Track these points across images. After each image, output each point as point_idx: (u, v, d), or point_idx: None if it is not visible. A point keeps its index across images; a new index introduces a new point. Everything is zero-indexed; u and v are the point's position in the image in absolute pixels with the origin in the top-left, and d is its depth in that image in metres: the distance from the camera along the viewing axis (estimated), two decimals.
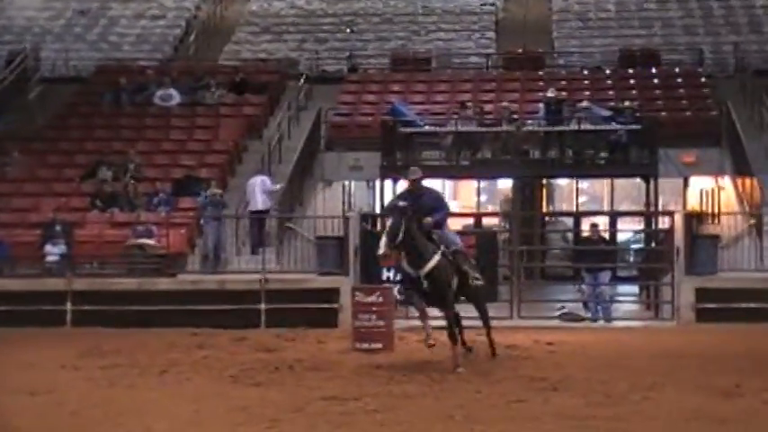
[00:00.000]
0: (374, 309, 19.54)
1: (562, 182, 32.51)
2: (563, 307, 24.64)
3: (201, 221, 26.60)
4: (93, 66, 34.96)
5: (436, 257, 16.20)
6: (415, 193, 17.07)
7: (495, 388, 14.48)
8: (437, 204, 17.29)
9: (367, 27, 37.26)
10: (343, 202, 27.09)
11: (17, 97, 33.75)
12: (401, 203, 16.52)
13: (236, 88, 32.87)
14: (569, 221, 33.12)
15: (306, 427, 11.68)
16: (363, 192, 27.93)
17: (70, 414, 12.72)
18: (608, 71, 34.16)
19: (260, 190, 27.24)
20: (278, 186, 27.67)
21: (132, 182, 27.99)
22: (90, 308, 24.15)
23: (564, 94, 29.98)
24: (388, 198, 28.14)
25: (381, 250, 15.73)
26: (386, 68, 34.84)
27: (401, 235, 15.72)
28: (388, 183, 27.97)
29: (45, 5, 38.86)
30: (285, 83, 33.72)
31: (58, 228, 26.11)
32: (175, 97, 32.30)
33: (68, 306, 24.30)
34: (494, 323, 22.47)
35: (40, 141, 31.12)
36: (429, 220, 16.54)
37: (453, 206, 28.84)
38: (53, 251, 25.77)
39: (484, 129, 28.70)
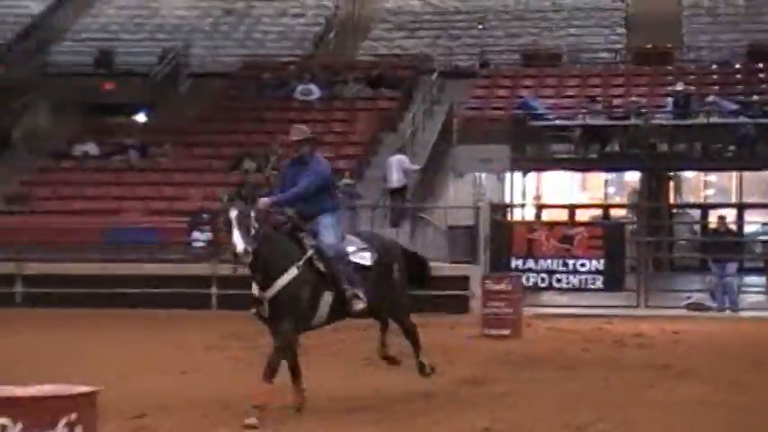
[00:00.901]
0: (503, 296, 19.55)
1: (689, 174, 32.25)
2: (690, 297, 24.35)
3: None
4: (239, 62, 35.43)
5: (291, 273, 10.99)
6: (298, 162, 11.98)
7: (621, 375, 14.35)
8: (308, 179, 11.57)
9: (498, 24, 37.26)
10: (474, 194, 27.09)
11: (169, 91, 34.38)
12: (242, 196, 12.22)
13: (372, 83, 33.12)
14: (696, 213, 32.82)
15: (435, 409, 11.72)
16: (494, 183, 27.91)
17: (210, 387, 13.10)
18: (737, 66, 33.81)
19: (397, 168, 27.62)
20: (416, 166, 28.02)
21: (274, 172, 28.43)
22: (234, 292, 24.59)
23: (692, 88, 29.77)
24: (518, 190, 28.24)
25: (240, 247, 10.60)
26: (517, 64, 34.84)
27: (252, 231, 10.74)
28: (518, 175, 28.02)
29: (194, 5, 39.43)
30: (419, 78, 33.84)
31: (204, 216, 26.64)
32: (315, 92, 32.68)
33: (213, 290, 24.79)
34: (620, 312, 22.61)
35: (190, 134, 31.65)
36: (265, 200, 11.45)
37: (582, 198, 28.94)
38: (200, 238, 26.30)
39: (612, 122, 28.61)
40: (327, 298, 11.18)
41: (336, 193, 12.71)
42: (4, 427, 5.36)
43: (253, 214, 10.75)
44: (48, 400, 5.49)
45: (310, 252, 11.08)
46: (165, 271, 25.04)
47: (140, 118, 33.27)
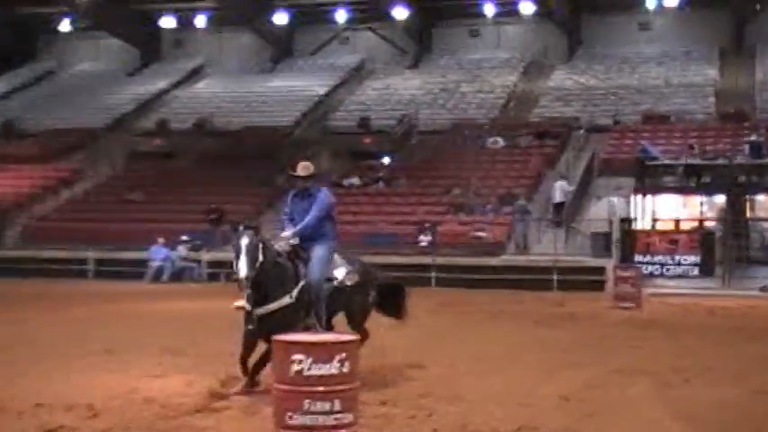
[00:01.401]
0: (629, 280, 19.46)
1: (761, 197, 31.07)
2: (762, 283, 23.57)
3: (514, 221, 26.93)
4: (450, 123, 35.61)
5: (284, 301, 8.83)
6: (303, 194, 9.97)
7: (710, 334, 14.18)
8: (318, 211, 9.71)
9: (625, 95, 36.60)
10: (608, 211, 26.87)
11: (404, 143, 34.80)
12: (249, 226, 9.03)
13: (539, 136, 32.94)
14: (766, 224, 31.83)
15: (584, 355, 11.63)
16: (623, 204, 27.61)
17: (431, 337, 13.07)
18: None
19: (559, 189, 27.79)
20: (572, 188, 28.06)
21: (473, 196, 28.52)
22: (446, 275, 24.83)
23: (762, 138, 28.91)
24: (639, 208, 27.78)
25: (243, 272, 8.50)
26: (639, 122, 34.20)
27: (260, 257, 8.67)
28: (639, 198, 27.74)
29: (421, 86, 39.79)
30: (571, 132, 33.52)
31: (427, 225, 26.90)
32: (500, 142, 32.65)
33: (433, 274, 25.02)
34: (711, 292, 22.09)
35: (418, 170, 31.97)
36: (288, 234, 9.44)
37: (684, 214, 28.29)
38: (424, 239, 26.55)
39: (706, 162, 28.03)
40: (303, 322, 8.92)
41: (335, 226, 10.01)
42: (301, 360, 5.63)
43: (261, 245, 8.72)
44: (327, 344, 5.76)
45: (302, 283, 9.00)
46: (402, 261, 25.41)
47: (386, 160, 33.73)
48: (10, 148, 37.07)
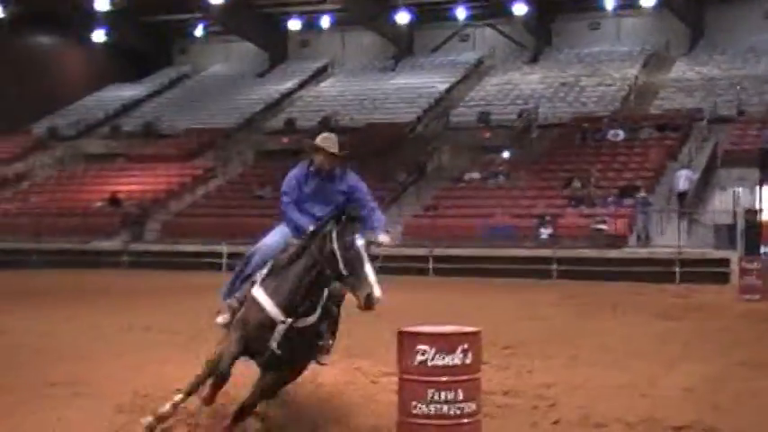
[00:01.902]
0: (755, 272, 18.91)
1: None
2: None
3: (635, 213, 26.40)
4: (570, 116, 35.13)
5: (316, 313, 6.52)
6: (325, 176, 7.08)
7: None
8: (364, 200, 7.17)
9: (749, 85, 35.32)
10: (733, 202, 26.02)
11: (524, 137, 34.46)
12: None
13: (660, 128, 32.17)
14: None
15: (708, 348, 11.35)
16: (747, 195, 26.68)
17: (553, 329, 12.98)
18: None
19: (684, 178, 27.34)
20: (695, 176, 27.58)
21: (593, 189, 28.07)
22: (567, 268, 24.52)
23: None
24: (765, 199, 26.84)
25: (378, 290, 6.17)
26: (763, 112, 33.00)
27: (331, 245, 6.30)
28: (764, 189, 26.77)
29: (541, 80, 39.32)
30: (693, 124, 32.58)
31: (548, 218, 26.64)
32: (621, 135, 32.00)
33: (554, 266, 24.76)
34: None
35: (537, 164, 31.64)
36: (386, 238, 6.86)
37: None
38: (545, 232, 26.30)
39: None
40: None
41: None
42: (425, 351, 5.65)
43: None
44: (450, 336, 5.76)
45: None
46: (522, 254, 25.22)
47: (506, 155, 33.49)
48: (149, 149, 38.36)
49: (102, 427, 6.50)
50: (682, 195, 27.21)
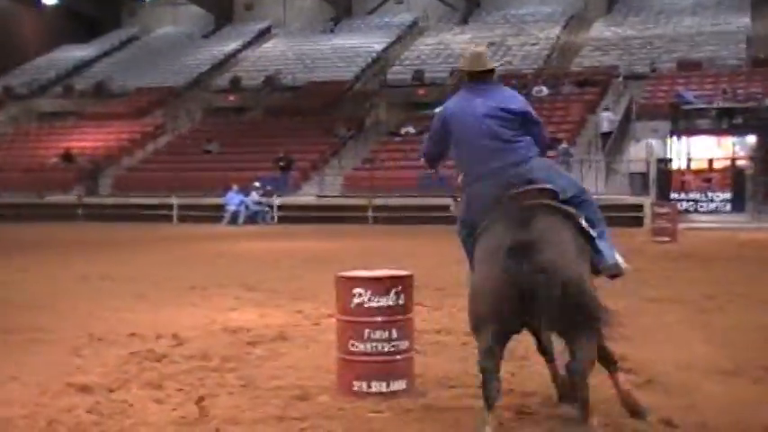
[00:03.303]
0: (665, 216, 19.23)
1: None
2: None
3: (557, 164, 26.68)
4: (499, 75, 34.97)
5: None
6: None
7: (742, 266, 13.90)
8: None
9: (661, 44, 35.76)
10: (646, 152, 26.46)
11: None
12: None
13: (581, 84, 32.50)
14: None
15: (621, 286, 11.55)
16: (659, 146, 27.16)
17: None
18: None
19: (606, 120, 28.23)
20: (617, 118, 28.60)
21: None
22: None
23: None
24: (675, 149, 27.29)
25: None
26: (674, 69, 33.50)
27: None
28: (675, 139, 27.31)
29: (471, 41, 39.37)
30: (611, 80, 32.96)
31: None
32: (544, 91, 32.25)
33: None
34: (742, 225, 21.73)
35: None
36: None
37: (717, 153, 27.76)
38: None
39: (737, 105, 27.37)
40: None
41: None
42: (361, 294, 5.68)
43: None
44: (384, 279, 5.79)
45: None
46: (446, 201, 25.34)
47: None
48: (101, 107, 37.63)
49: (59, 368, 6.43)
50: (605, 135, 27.94)
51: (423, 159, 5.79)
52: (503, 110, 5.10)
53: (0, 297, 10.46)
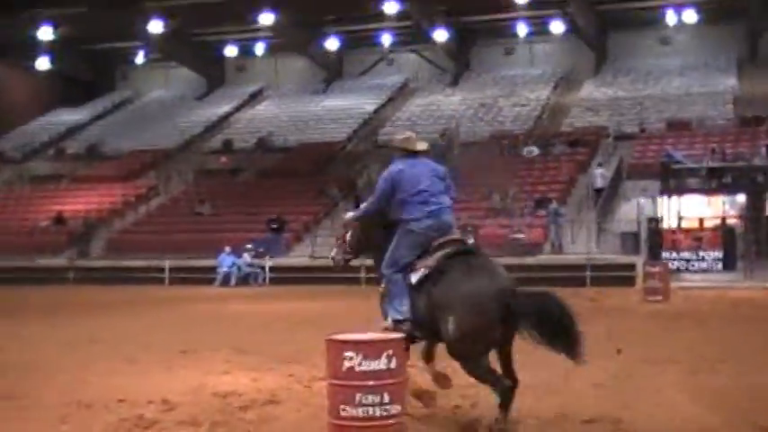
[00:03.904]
0: (657, 275, 19.17)
1: None
2: None
3: (548, 224, 26.73)
4: (488, 134, 35.53)
5: None
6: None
7: (736, 325, 13.91)
8: None
9: (651, 104, 36.14)
10: (637, 212, 26.55)
11: (446, 154, 34.55)
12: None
13: (571, 144, 32.72)
14: None
15: (614, 346, 11.48)
16: (649, 205, 27.26)
17: None
18: None
19: (599, 176, 28.61)
20: (609, 174, 28.83)
21: (511, 201, 28.35)
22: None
23: None
24: (666, 208, 27.38)
25: None
26: (663, 129, 33.82)
27: None
28: (665, 199, 27.40)
29: (461, 102, 39.84)
30: (600, 140, 33.24)
31: (469, 228, 26.68)
32: (535, 151, 32.45)
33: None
34: (734, 284, 21.68)
35: (459, 178, 31.75)
36: None
37: (707, 213, 27.84)
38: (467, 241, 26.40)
39: (726, 164, 27.59)
40: None
41: None
42: (352, 357, 5.65)
43: None
44: (375, 342, 5.77)
45: None
46: None
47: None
48: (94, 170, 37.73)
49: None
50: (599, 191, 28.14)
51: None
52: (434, 174, 6.90)
53: None
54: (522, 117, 37.52)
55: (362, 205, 7.11)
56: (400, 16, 38.60)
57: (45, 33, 39.69)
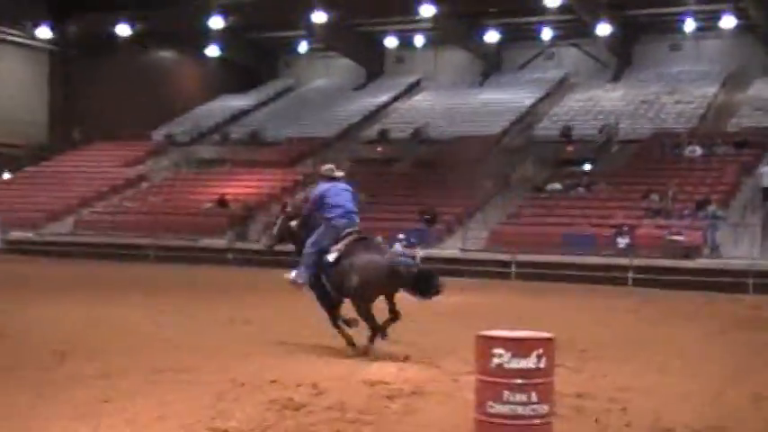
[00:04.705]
0: None
1: None
2: None
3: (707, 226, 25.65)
4: (649, 132, 34.45)
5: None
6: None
7: None
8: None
9: None
10: None
11: (604, 151, 33.95)
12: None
13: (737, 145, 31.27)
14: None
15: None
16: None
17: (627, 335, 12.67)
18: None
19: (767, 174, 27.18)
20: None
21: (670, 202, 27.41)
22: (643, 276, 24.00)
23: None
24: None
25: None
26: None
27: None
28: None
29: (622, 98, 38.77)
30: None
31: (625, 228, 26.09)
32: (698, 151, 31.21)
33: (630, 274, 24.26)
34: None
35: (618, 176, 31.06)
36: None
37: None
38: (622, 241, 25.77)
39: None
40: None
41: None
42: (501, 354, 5.59)
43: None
44: (526, 340, 5.68)
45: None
46: (600, 261, 24.80)
47: (586, 167, 33.00)
48: (256, 155, 38.93)
49: (202, 412, 6.60)
50: (766, 191, 26.89)
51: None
52: (347, 190, 10.28)
53: (149, 335, 10.87)
54: (686, 115, 36.10)
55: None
56: (562, 10, 37.90)
57: (215, 22, 41.28)
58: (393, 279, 9.51)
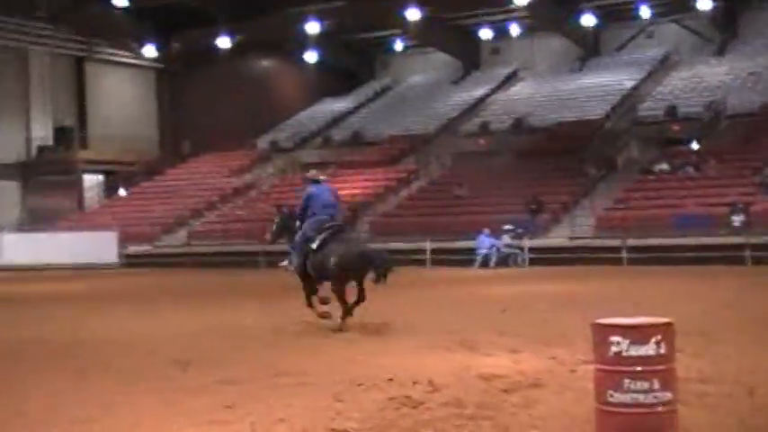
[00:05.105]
0: None
1: None
2: None
3: None
4: (761, 104, 33.24)
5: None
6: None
7: None
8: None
9: None
10: None
11: (712, 128, 32.97)
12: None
13: None
14: None
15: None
16: None
17: (748, 315, 12.25)
18: None
19: None
20: None
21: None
22: (761, 254, 23.21)
23: None
24: None
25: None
26: None
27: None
28: None
29: (728, 72, 37.53)
30: None
31: (740, 205, 25.27)
32: None
33: (747, 252, 23.49)
34: None
35: (727, 153, 30.15)
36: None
37: None
38: (737, 219, 24.99)
39: None
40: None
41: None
42: (618, 342, 5.47)
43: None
44: (643, 327, 5.55)
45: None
46: (715, 241, 24.08)
47: (694, 146, 32.07)
48: (358, 155, 39.27)
49: (322, 413, 6.68)
50: None
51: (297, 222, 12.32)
52: (328, 191, 12.16)
53: (267, 341, 11.06)
54: None
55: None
56: None
57: (312, 27, 41.81)
58: (364, 261, 11.44)
